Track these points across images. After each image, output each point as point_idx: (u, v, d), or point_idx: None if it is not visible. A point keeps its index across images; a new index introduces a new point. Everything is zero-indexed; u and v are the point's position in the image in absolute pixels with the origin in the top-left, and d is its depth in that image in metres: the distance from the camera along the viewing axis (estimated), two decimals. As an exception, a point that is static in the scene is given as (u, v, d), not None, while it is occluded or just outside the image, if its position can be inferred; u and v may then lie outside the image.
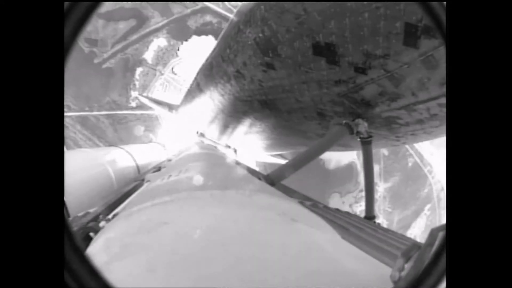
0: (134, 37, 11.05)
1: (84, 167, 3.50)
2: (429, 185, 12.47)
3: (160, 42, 11.20)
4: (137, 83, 11.42)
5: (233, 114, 5.49)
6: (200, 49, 10.64)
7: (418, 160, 12.20)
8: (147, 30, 11.04)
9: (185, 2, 10.86)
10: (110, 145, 8.37)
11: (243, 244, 0.77)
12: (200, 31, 11.14)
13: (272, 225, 0.97)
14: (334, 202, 12.02)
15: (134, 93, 11.41)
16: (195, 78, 6.28)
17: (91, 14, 0.49)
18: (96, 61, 10.98)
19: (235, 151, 7.70)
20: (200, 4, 10.92)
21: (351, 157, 12.10)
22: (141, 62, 11.31)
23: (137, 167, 4.71)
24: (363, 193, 4.62)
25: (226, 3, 10.80)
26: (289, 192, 2.17)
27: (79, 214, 1.68)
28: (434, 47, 2.32)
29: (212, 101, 5.57)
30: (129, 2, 10.67)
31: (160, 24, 11.05)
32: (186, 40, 11.24)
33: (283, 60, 3.26)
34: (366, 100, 3.12)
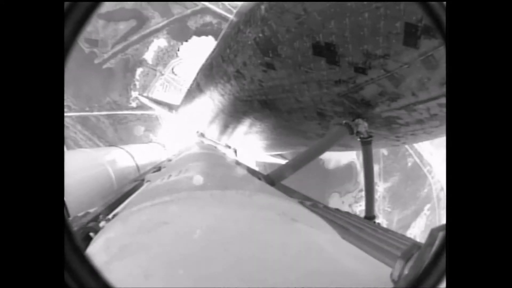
0: (135, 37, 11.05)
1: (84, 167, 3.51)
2: (428, 185, 12.47)
3: (160, 42, 11.20)
4: (137, 83, 11.43)
5: (233, 114, 5.49)
6: (200, 49, 10.64)
7: (418, 160, 12.20)
8: (148, 30, 11.04)
9: (185, 3, 10.86)
10: (110, 145, 8.38)
11: (243, 244, 0.77)
12: (200, 32, 11.14)
13: (272, 225, 0.97)
14: (334, 202, 12.02)
15: (134, 93, 11.41)
16: (195, 78, 6.28)
17: (91, 14, 0.49)
18: (96, 61, 10.98)
19: (235, 151, 7.69)
20: (200, 5, 10.92)
21: (351, 157, 12.09)
22: (141, 62, 11.32)
23: (137, 167, 4.71)
24: (363, 193, 4.62)
25: (226, 3, 10.80)
26: (289, 192, 2.17)
27: (79, 214, 1.68)
28: (434, 47, 2.32)
29: (212, 101, 5.57)
30: (130, 3, 10.67)
31: (160, 24, 11.05)
32: (186, 41, 11.24)
33: (283, 60, 3.26)
34: (366, 100, 3.12)
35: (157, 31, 11.08)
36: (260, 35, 3.23)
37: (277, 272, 0.65)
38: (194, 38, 11.20)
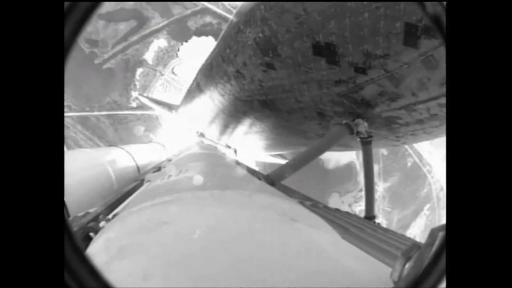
0: (135, 38, 11.06)
1: (84, 167, 3.51)
2: (428, 185, 12.47)
3: (160, 43, 11.21)
4: (137, 83, 11.43)
5: (233, 114, 5.49)
6: (200, 49, 10.64)
7: (417, 160, 12.20)
8: (148, 31, 11.05)
9: (185, 3, 10.86)
10: (110, 145, 8.38)
11: (243, 244, 0.77)
12: (200, 32, 11.14)
13: (272, 225, 0.97)
14: (334, 201, 12.02)
15: (134, 94, 11.42)
16: (195, 78, 6.28)
17: (91, 14, 0.49)
18: (96, 61, 10.98)
19: (235, 151, 7.69)
20: (200, 5, 10.93)
21: (350, 156, 12.10)
22: (141, 62, 11.32)
23: (137, 167, 4.71)
24: (363, 193, 4.62)
25: (226, 4, 10.80)
26: (289, 192, 2.17)
27: (79, 214, 1.68)
28: (434, 47, 2.32)
29: (212, 101, 5.57)
30: (130, 3, 10.67)
31: (160, 25, 11.05)
32: (186, 41, 11.24)
33: (283, 60, 3.26)
34: (366, 100, 3.12)
35: (157, 31, 11.09)
36: (260, 35, 3.23)
37: (277, 272, 0.65)
38: (194, 38, 11.21)
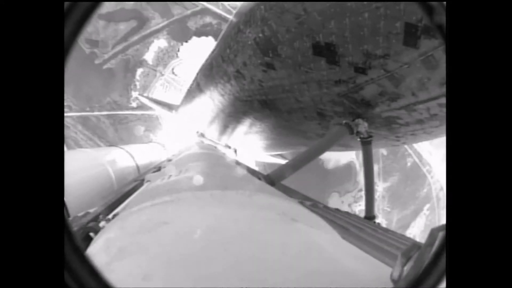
0: (135, 38, 11.07)
1: (84, 167, 3.51)
2: (428, 185, 12.47)
3: (160, 43, 11.22)
4: (137, 83, 11.44)
5: (233, 114, 5.49)
6: (200, 50, 10.65)
7: (417, 160, 12.20)
8: (148, 31, 11.06)
9: (184, 3, 10.86)
10: (111, 145, 8.38)
11: (243, 244, 0.77)
12: (200, 32, 11.15)
13: (272, 225, 0.97)
14: (333, 201, 12.02)
15: (134, 94, 11.42)
16: (195, 78, 6.28)
17: (91, 15, 0.49)
18: (97, 61, 10.99)
19: (235, 151, 7.69)
20: (200, 6, 10.93)
21: (350, 156, 12.10)
22: (141, 63, 11.33)
23: (137, 167, 4.71)
24: (362, 193, 4.63)
25: (226, 4, 10.81)
26: (289, 192, 2.17)
27: (79, 214, 1.68)
28: (434, 47, 2.32)
29: (212, 101, 5.57)
30: (130, 3, 10.68)
31: (161, 25, 11.06)
32: (186, 41, 11.25)
33: (283, 60, 3.26)
34: (366, 100, 3.12)
35: (157, 31, 11.09)
36: (260, 35, 3.23)
37: (277, 272, 0.65)
38: (194, 38, 11.21)
